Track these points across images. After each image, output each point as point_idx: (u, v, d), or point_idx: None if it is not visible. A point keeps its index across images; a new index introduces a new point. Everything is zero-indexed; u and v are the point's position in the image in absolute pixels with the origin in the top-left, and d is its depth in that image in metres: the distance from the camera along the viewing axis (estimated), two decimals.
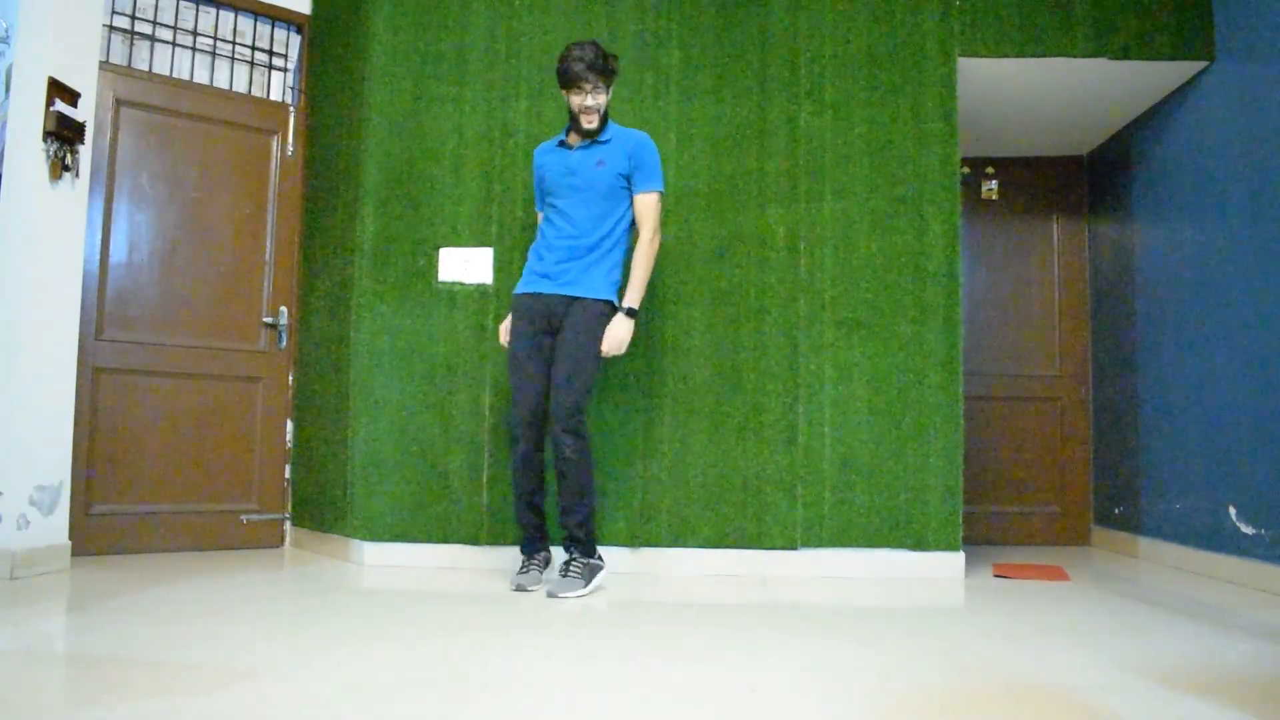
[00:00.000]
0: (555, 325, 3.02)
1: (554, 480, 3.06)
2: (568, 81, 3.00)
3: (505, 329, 3.17)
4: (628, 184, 3.07)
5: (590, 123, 3.02)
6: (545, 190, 3.12)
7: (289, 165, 4.01)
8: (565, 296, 3.01)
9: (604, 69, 2.99)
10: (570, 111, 3.06)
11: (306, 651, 2.20)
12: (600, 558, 3.13)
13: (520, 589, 3.00)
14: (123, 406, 3.59)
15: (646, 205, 3.07)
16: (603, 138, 3.07)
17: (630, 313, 3.02)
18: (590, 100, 3.00)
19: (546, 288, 3.04)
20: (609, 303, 3.04)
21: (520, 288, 3.11)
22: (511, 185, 3.59)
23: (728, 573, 3.41)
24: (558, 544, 3.15)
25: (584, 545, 3.06)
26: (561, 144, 3.12)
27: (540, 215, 3.19)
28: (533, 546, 3.13)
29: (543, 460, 3.06)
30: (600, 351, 2.99)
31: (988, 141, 4.66)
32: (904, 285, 3.54)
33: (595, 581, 3.05)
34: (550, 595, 2.93)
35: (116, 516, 3.56)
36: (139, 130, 3.68)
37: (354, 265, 3.63)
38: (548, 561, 3.16)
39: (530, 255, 3.14)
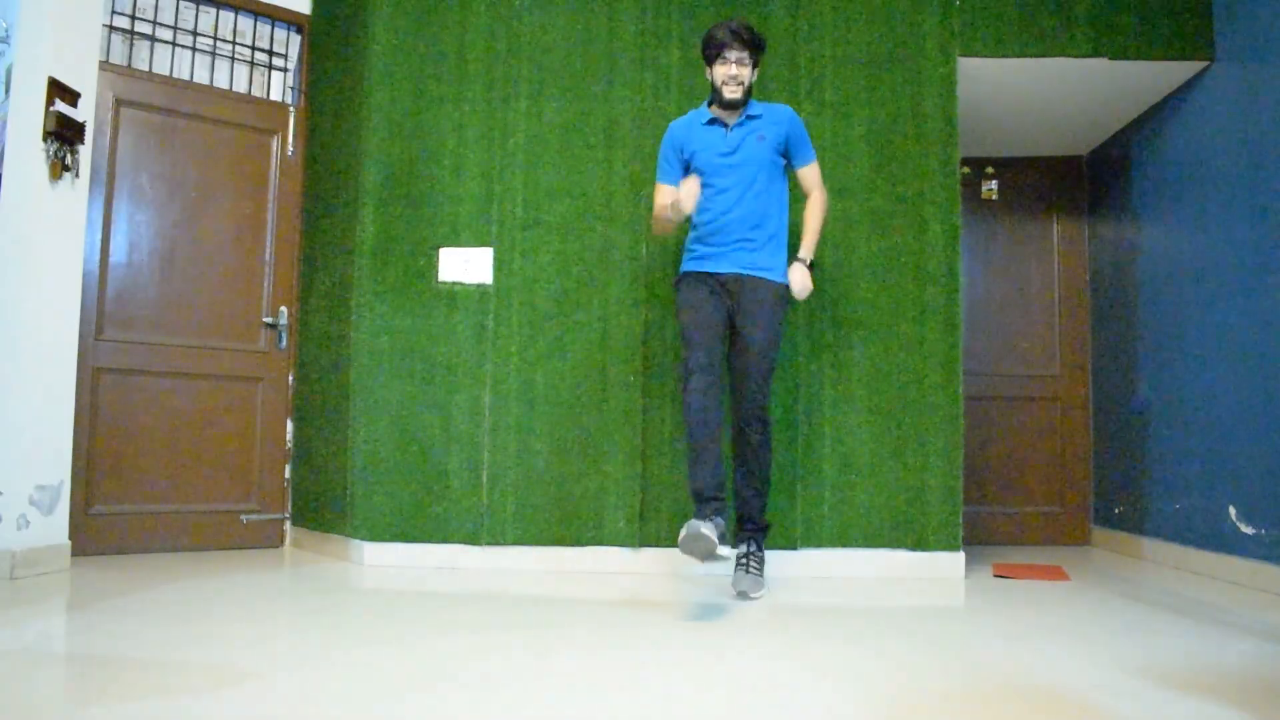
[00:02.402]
0: (734, 302, 2.98)
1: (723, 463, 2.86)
2: (713, 48, 2.95)
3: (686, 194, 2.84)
4: (783, 159, 3.07)
5: (733, 92, 2.94)
6: (695, 168, 3.00)
7: (289, 165, 4.01)
8: (742, 275, 2.98)
9: (751, 39, 2.94)
10: (713, 85, 3.00)
11: (306, 651, 2.20)
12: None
13: (713, 552, 2.66)
14: (123, 406, 3.59)
15: (814, 174, 3.14)
16: (754, 112, 3.02)
17: (810, 265, 3.09)
18: (734, 69, 2.93)
19: (722, 267, 2.98)
20: (786, 285, 3.05)
21: (692, 266, 3.02)
22: (511, 185, 3.59)
23: (727, 572, 3.41)
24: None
25: (763, 532, 3.11)
26: (713, 121, 3.03)
27: (665, 188, 3.04)
28: (721, 501, 2.79)
29: (721, 397, 2.87)
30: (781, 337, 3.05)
31: (988, 141, 4.65)
32: (904, 285, 3.53)
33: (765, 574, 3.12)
34: (742, 595, 2.96)
35: (116, 516, 3.56)
36: (139, 130, 3.68)
37: (354, 265, 3.63)
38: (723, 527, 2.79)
39: (703, 236, 3.02)
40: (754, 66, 2.99)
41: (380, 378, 3.54)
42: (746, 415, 3.00)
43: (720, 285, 2.99)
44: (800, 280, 3.05)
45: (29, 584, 2.95)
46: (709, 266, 3.00)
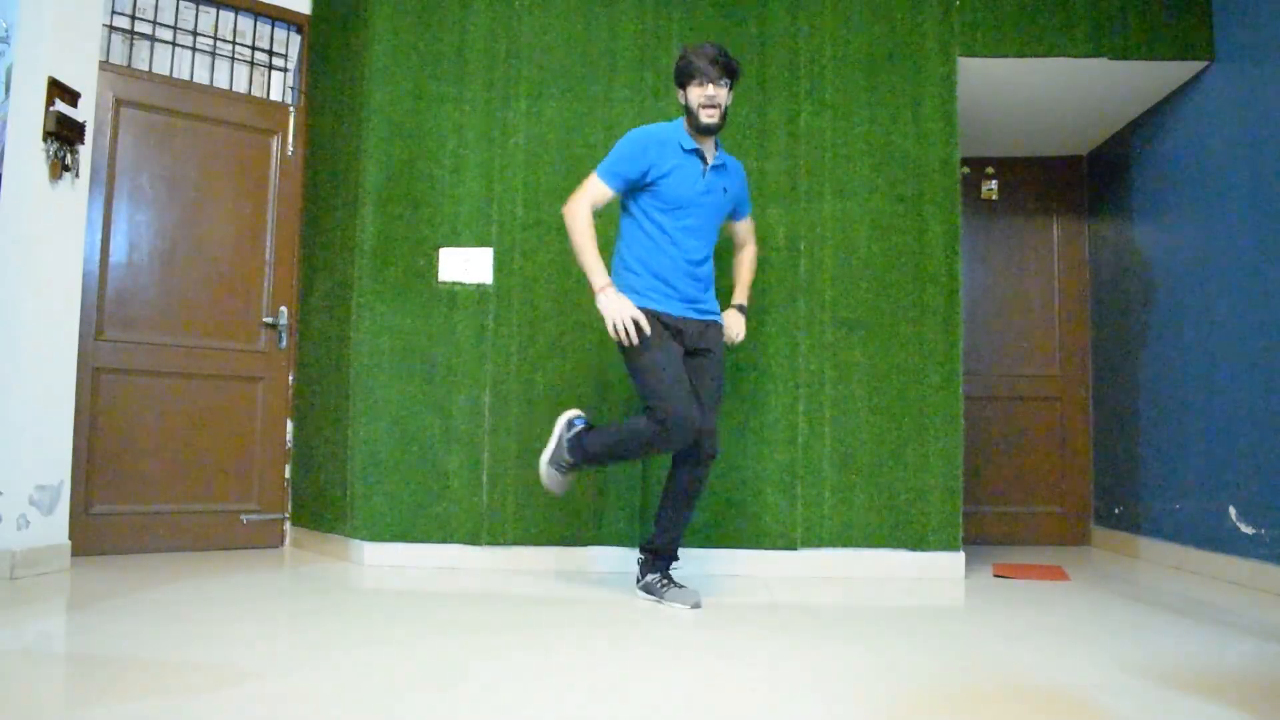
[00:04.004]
0: (693, 346, 2.89)
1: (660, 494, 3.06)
2: (689, 72, 2.80)
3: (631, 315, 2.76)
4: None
5: (711, 117, 2.79)
6: (664, 193, 2.83)
7: (289, 165, 4.01)
8: (698, 320, 2.91)
9: (730, 66, 2.81)
10: (687, 108, 2.83)
11: (306, 651, 2.20)
12: None
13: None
14: (123, 406, 3.59)
15: (751, 227, 3.19)
16: (721, 161, 2.92)
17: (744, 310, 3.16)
18: (713, 90, 2.78)
19: (674, 309, 2.86)
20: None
21: (662, 307, 2.83)
22: (511, 185, 3.59)
23: (728, 573, 3.41)
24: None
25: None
26: (696, 152, 2.86)
27: (604, 190, 2.85)
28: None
29: None
30: None
31: (988, 141, 4.66)
32: (904, 285, 3.54)
33: None
34: (696, 606, 2.81)
35: (116, 516, 3.56)
36: (139, 130, 3.68)
37: (354, 265, 3.63)
38: None
39: (655, 270, 2.85)
40: (730, 89, 2.84)
41: (380, 378, 3.54)
42: (710, 451, 2.87)
43: (689, 329, 2.88)
44: (739, 325, 3.09)
45: (29, 584, 2.95)
46: (661, 307, 2.84)
